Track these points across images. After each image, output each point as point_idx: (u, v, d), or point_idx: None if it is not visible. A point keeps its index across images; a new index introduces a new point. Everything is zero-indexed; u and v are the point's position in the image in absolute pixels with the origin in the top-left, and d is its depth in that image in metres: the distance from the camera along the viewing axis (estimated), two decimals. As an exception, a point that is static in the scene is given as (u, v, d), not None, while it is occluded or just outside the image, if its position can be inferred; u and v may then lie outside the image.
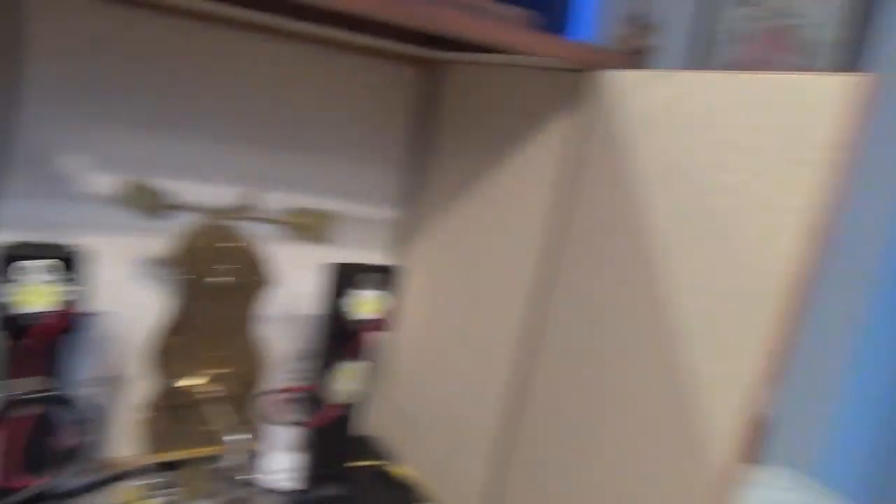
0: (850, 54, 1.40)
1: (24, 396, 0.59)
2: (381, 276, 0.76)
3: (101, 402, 0.77)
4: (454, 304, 0.89)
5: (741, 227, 0.47)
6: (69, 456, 0.68)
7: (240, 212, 0.68)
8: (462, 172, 0.89)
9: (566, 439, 0.67)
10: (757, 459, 1.55)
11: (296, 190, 0.89)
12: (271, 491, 0.79)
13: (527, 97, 0.77)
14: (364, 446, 1.02)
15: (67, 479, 0.68)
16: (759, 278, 0.45)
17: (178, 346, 0.67)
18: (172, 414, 0.68)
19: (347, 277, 0.74)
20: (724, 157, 0.49)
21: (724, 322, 0.49)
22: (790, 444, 1.48)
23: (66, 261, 0.57)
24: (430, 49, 0.86)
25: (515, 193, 0.78)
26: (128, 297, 0.83)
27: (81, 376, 0.72)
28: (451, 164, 0.91)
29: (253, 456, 0.74)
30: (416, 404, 0.96)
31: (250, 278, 0.68)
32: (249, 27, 0.79)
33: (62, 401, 0.65)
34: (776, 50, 1.56)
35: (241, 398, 0.72)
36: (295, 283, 0.93)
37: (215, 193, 0.76)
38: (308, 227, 0.68)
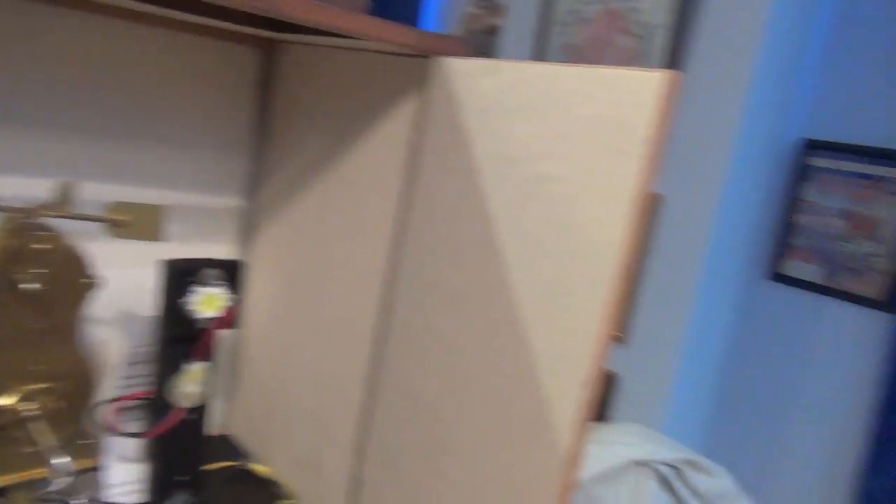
0: (679, 36, 1.50)
1: None
2: (223, 270, 0.72)
3: None
4: (305, 295, 0.86)
5: (574, 213, 0.49)
6: None
7: (56, 208, 0.61)
8: (307, 158, 0.86)
9: (421, 423, 0.67)
10: (606, 417, 1.66)
11: (126, 181, 0.82)
12: (113, 507, 0.74)
13: (372, 82, 0.76)
14: (219, 447, 0.97)
15: None
16: (592, 259, 0.47)
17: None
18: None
19: (186, 274, 0.69)
20: (554, 146, 0.50)
21: (565, 300, 0.50)
22: (637, 401, 1.59)
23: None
24: (272, 30, 0.82)
25: (363, 180, 0.77)
26: None
27: None
28: (295, 150, 0.88)
29: (82, 475, 0.69)
30: (272, 400, 0.93)
31: (71, 281, 0.62)
32: (69, 2, 0.71)
33: None
34: (614, 31, 1.64)
35: (73, 412, 0.65)
36: (127, 283, 0.86)
37: (27, 187, 0.69)
38: (133, 223, 0.63)
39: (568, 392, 0.48)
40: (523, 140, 0.53)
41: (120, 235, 0.64)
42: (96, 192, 0.78)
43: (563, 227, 0.49)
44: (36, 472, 0.64)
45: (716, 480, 1.42)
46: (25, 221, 0.60)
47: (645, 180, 0.43)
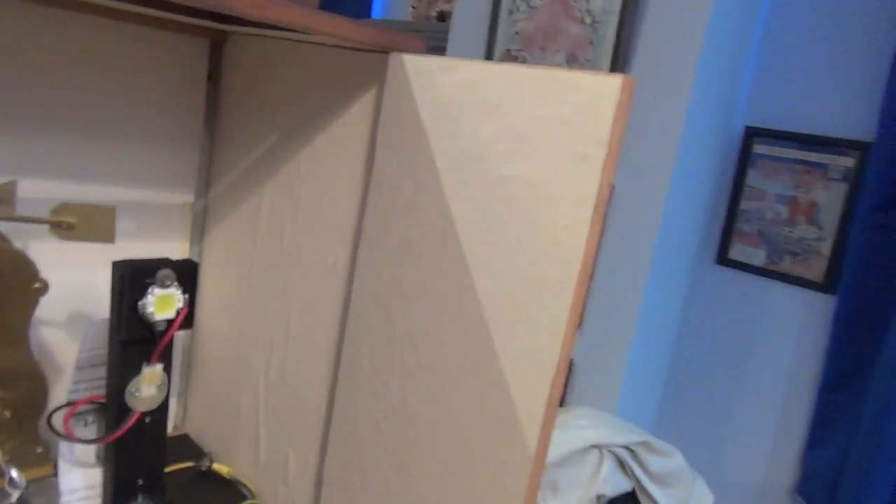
0: (627, 26, 1.52)
1: None
2: (177, 270, 0.70)
3: None
4: (261, 292, 0.85)
5: (536, 214, 0.49)
6: None
7: (-1, 212, 0.59)
8: (261, 154, 0.85)
9: (386, 422, 0.68)
10: (562, 401, 1.70)
11: (72, 178, 0.79)
12: (68, 515, 0.72)
13: (328, 76, 0.75)
14: (179, 448, 0.96)
15: None
16: (556, 260, 0.48)
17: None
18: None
19: (139, 275, 0.68)
20: (513, 147, 0.51)
21: (530, 300, 0.51)
22: (592, 385, 1.63)
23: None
24: (222, 23, 0.80)
25: (320, 175, 0.76)
26: None
27: None
28: (249, 145, 0.86)
29: (36, 484, 0.67)
30: (232, 399, 0.92)
31: (16, 285, 0.60)
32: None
33: None
34: (564, 18, 1.65)
35: (22, 421, 0.63)
36: (78, 284, 0.84)
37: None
38: (81, 225, 0.61)
39: (535, 391, 0.49)
40: (484, 140, 0.53)
41: (67, 238, 0.62)
42: (41, 191, 0.75)
43: (527, 227, 0.50)
44: (-14, 484, 0.62)
45: (669, 460, 1.47)
46: None
47: (604, 182, 0.44)
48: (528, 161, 0.49)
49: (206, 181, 0.93)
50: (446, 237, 0.57)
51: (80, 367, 0.75)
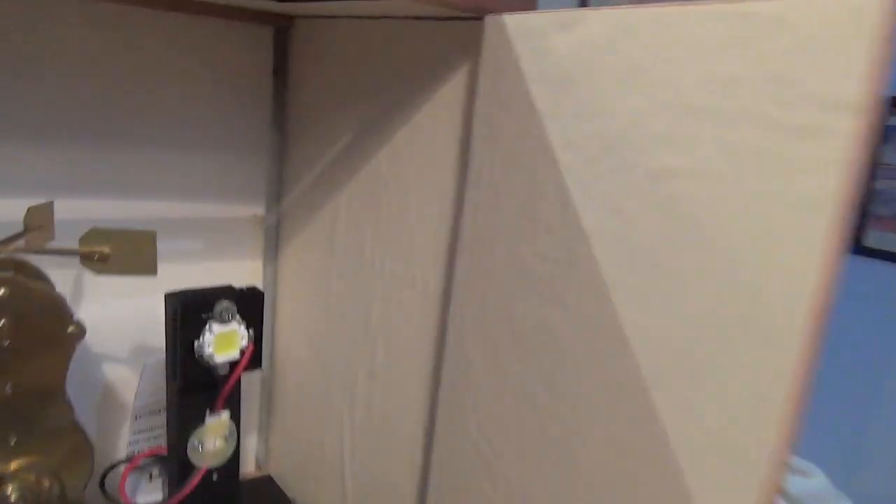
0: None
1: None
2: (238, 300, 0.58)
3: None
4: (344, 316, 0.72)
5: (719, 227, 0.33)
6: None
7: (25, 241, 0.49)
8: (337, 156, 0.72)
9: (492, 491, 0.53)
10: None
11: (121, 195, 0.69)
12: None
13: (409, 56, 0.61)
14: (259, 494, 0.85)
15: None
16: (754, 295, 0.32)
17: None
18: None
19: (195, 309, 0.56)
20: (678, 127, 0.35)
21: (706, 353, 0.35)
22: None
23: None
24: (289, 2, 0.67)
25: (405, 178, 0.62)
26: None
27: None
28: (323, 146, 0.74)
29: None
30: (316, 441, 0.80)
31: (48, 331, 0.49)
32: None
33: None
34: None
35: (67, 489, 0.53)
36: (132, 318, 0.74)
37: None
38: (116, 254, 0.50)
39: (729, 487, 0.33)
40: (630, 119, 0.37)
41: (101, 271, 0.51)
42: (85, 212, 0.65)
43: (707, 243, 0.33)
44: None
45: (810, 481, 1.25)
46: None
47: (851, 168, 0.27)
48: (707, 146, 0.33)
49: (277, 190, 0.82)
50: (575, 259, 0.42)
51: (138, 416, 0.65)
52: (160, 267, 0.56)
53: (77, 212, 0.62)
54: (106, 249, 0.49)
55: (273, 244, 0.83)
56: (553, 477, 0.45)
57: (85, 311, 0.72)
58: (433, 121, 0.58)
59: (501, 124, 0.49)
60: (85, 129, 0.66)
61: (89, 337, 0.73)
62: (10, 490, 0.50)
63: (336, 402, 0.75)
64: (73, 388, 0.74)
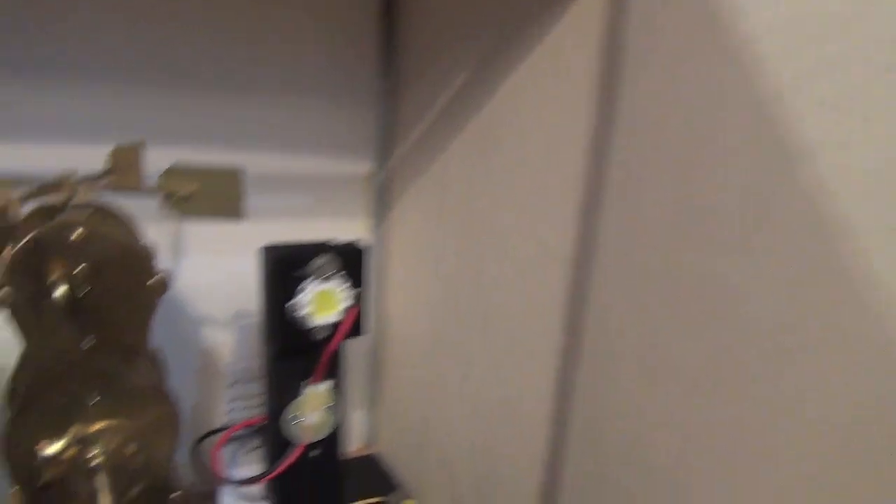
0: None
1: None
2: (341, 257, 0.51)
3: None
4: (461, 283, 0.64)
5: None
6: None
7: (108, 181, 0.44)
8: (452, 103, 0.63)
9: (640, 491, 0.43)
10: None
11: (217, 144, 0.64)
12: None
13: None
14: (363, 474, 0.79)
15: None
16: None
17: (38, 397, 0.44)
18: (46, 496, 0.45)
19: (292, 265, 0.49)
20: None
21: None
22: None
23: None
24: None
25: (532, 122, 0.52)
26: None
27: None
28: (437, 94, 0.65)
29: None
30: (425, 420, 0.72)
31: (132, 281, 0.44)
32: None
33: None
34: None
35: (153, 457, 0.48)
36: (229, 276, 0.69)
37: (68, 154, 0.52)
38: (201, 195, 0.44)
39: None
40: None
41: (184, 213, 0.44)
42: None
43: None
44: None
45: None
46: (65, 202, 0.42)
47: None
48: None
49: (386, 144, 0.74)
50: (777, 189, 0.30)
51: (233, 383, 0.60)
52: (260, 227, 0.50)
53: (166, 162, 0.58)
54: (188, 188, 0.43)
55: (382, 202, 0.76)
56: (725, 469, 0.34)
57: (184, 271, 0.68)
58: (564, 48, 0.48)
59: (663, 25, 0.38)
60: (184, 76, 0.62)
61: (188, 298, 0.69)
62: (94, 453, 0.45)
63: (448, 377, 0.66)
64: (170, 352, 0.70)
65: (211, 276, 0.69)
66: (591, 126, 0.45)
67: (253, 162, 0.67)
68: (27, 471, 0.45)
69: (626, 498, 0.44)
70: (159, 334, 0.68)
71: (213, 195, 0.44)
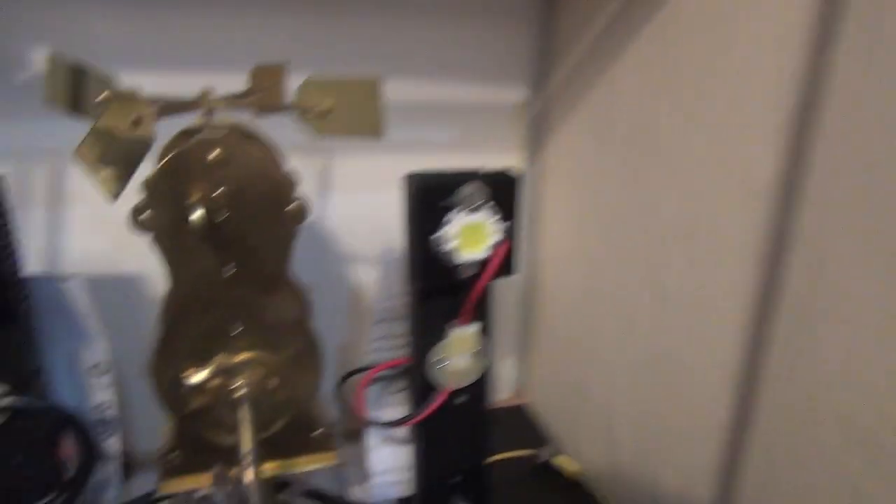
0: None
1: None
2: (492, 184, 0.45)
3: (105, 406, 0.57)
4: (620, 223, 0.56)
5: None
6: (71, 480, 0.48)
7: (247, 102, 0.41)
8: (620, 21, 0.54)
9: (849, 471, 0.34)
10: None
11: (357, 63, 0.60)
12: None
13: None
14: (511, 426, 0.75)
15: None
16: None
17: (182, 325, 0.43)
18: (193, 423, 0.45)
19: (432, 194, 0.45)
20: None
21: None
22: None
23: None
24: None
25: (718, 42, 0.43)
26: (91, 258, 0.60)
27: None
28: (603, 9, 0.57)
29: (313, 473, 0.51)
30: (580, 372, 0.66)
31: (271, 206, 0.41)
32: None
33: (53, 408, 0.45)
34: None
35: (296, 393, 0.47)
36: (375, 207, 0.66)
37: (205, 77, 0.49)
38: (339, 109, 0.39)
39: None
40: None
41: (322, 131, 0.41)
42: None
43: None
44: (265, 469, 0.47)
45: None
46: (204, 123, 0.40)
47: None
48: None
49: (544, 68, 0.67)
50: None
51: (379, 321, 0.57)
52: (404, 161, 0.46)
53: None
54: (326, 103, 0.39)
55: (537, 135, 0.69)
56: None
57: (329, 207, 0.66)
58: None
59: None
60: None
61: (333, 234, 0.67)
62: (238, 384, 0.44)
63: (609, 329, 0.60)
64: (316, 289, 0.69)
65: (356, 212, 0.66)
66: (803, 22, 0.35)
67: (397, 90, 0.63)
68: (174, 398, 0.44)
69: (850, 488, 0.35)
70: (304, 271, 0.67)
71: (351, 110, 0.40)
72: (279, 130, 0.46)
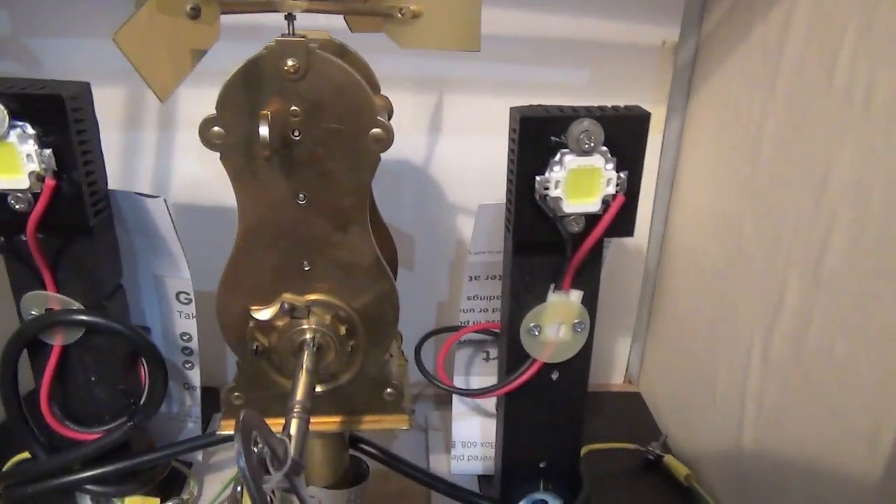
0: None
1: None
2: (612, 124, 0.38)
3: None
4: (775, 189, 0.46)
5: None
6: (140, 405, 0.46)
7: (329, 5, 0.36)
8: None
9: None
10: None
11: None
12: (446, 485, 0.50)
13: None
14: (618, 414, 0.67)
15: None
16: None
17: (250, 255, 0.39)
18: (258, 364, 0.42)
19: (538, 131, 0.38)
20: None
21: None
22: None
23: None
24: None
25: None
26: (194, 186, 0.58)
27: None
28: None
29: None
30: (705, 361, 0.57)
31: (355, 129, 0.36)
32: None
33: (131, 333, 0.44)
34: None
35: (368, 345, 0.42)
36: (465, 154, 0.60)
37: None
38: (429, 14, 0.33)
39: None
40: None
41: (409, 42, 0.35)
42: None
43: None
44: (329, 422, 0.43)
45: None
46: (287, 38, 0.35)
47: None
48: None
49: (698, 7, 0.57)
50: None
51: (472, 277, 0.51)
52: (523, 104, 0.39)
53: None
54: (414, 6, 0.33)
55: (685, 82, 0.59)
56: None
57: (440, 150, 0.61)
58: None
59: None
60: None
61: (443, 179, 0.62)
62: (305, 327, 0.40)
63: (748, 313, 0.50)
64: (421, 238, 0.64)
65: (467, 158, 0.60)
66: None
67: (517, 19, 0.55)
68: (239, 335, 0.41)
69: None
70: (405, 219, 0.62)
71: (444, 17, 0.34)
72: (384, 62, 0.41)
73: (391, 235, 0.50)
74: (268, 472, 0.30)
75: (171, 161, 0.61)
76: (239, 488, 0.37)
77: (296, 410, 0.34)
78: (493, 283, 0.51)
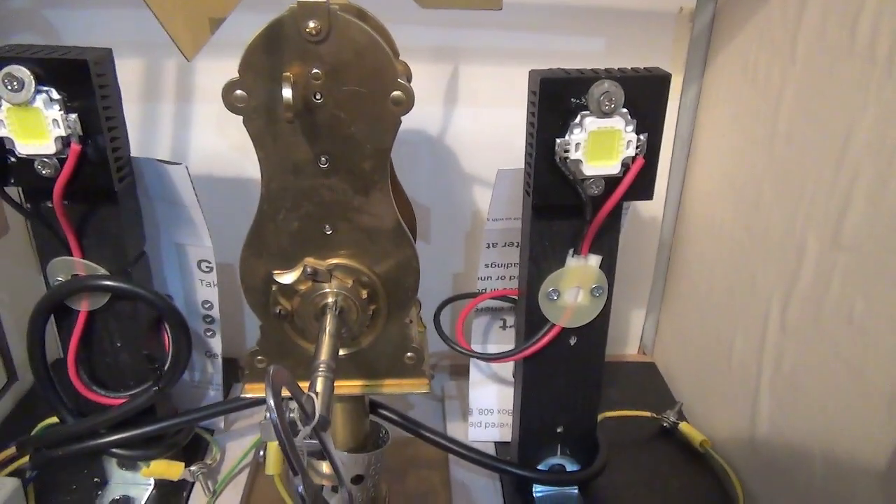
0: None
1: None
2: (633, 86, 0.38)
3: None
4: (794, 155, 0.46)
5: None
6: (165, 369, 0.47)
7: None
8: None
9: None
10: None
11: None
12: (464, 450, 0.50)
13: None
14: (637, 385, 0.67)
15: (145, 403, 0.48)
16: None
17: (272, 218, 0.40)
18: (280, 328, 0.42)
19: (559, 94, 0.38)
20: None
21: None
22: None
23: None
24: None
25: None
26: (213, 157, 0.58)
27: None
28: None
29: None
30: (721, 331, 0.57)
31: (365, 93, 0.36)
32: None
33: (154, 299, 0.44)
34: None
35: (390, 309, 0.42)
36: (482, 123, 0.60)
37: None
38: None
39: None
40: None
41: (428, 3, 0.35)
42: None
43: None
44: (353, 385, 0.44)
45: None
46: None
47: None
48: None
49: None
50: None
51: (490, 244, 0.51)
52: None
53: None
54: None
55: (702, 49, 0.59)
56: None
57: (458, 119, 0.61)
58: None
59: None
60: None
61: (461, 148, 0.62)
62: (326, 291, 0.40)
63: (763, 281, 0.50)
64: (440, 207, 0.65)
65: (484, 127, 0.60)
66: None
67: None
68: (262, 298, 0.42)
69: None
70: (423, 188, 0.63)
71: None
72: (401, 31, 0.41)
73: (410, 202, 0.51)
74: (296, 428, 0.30)
75: (189, 133, 0.61)
76: (262, 452, 0.38)
77: (321, 370, 0.34)
78: (510, 250, 0.51)
